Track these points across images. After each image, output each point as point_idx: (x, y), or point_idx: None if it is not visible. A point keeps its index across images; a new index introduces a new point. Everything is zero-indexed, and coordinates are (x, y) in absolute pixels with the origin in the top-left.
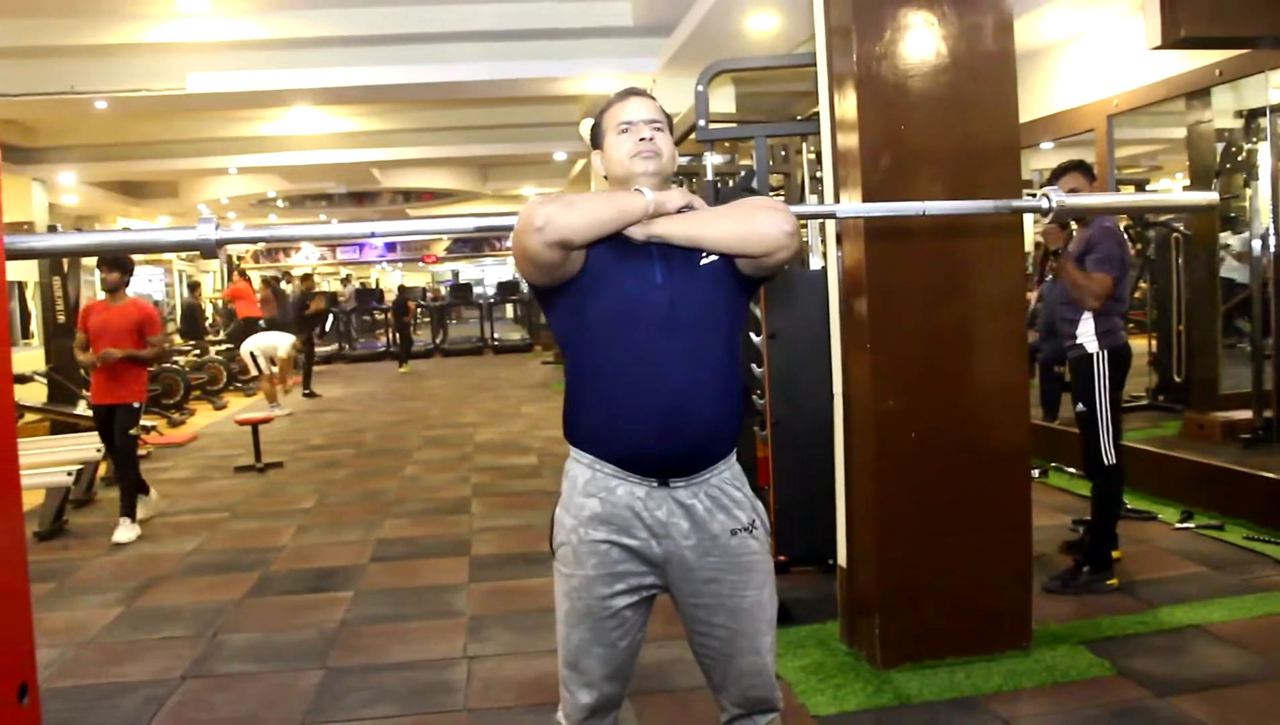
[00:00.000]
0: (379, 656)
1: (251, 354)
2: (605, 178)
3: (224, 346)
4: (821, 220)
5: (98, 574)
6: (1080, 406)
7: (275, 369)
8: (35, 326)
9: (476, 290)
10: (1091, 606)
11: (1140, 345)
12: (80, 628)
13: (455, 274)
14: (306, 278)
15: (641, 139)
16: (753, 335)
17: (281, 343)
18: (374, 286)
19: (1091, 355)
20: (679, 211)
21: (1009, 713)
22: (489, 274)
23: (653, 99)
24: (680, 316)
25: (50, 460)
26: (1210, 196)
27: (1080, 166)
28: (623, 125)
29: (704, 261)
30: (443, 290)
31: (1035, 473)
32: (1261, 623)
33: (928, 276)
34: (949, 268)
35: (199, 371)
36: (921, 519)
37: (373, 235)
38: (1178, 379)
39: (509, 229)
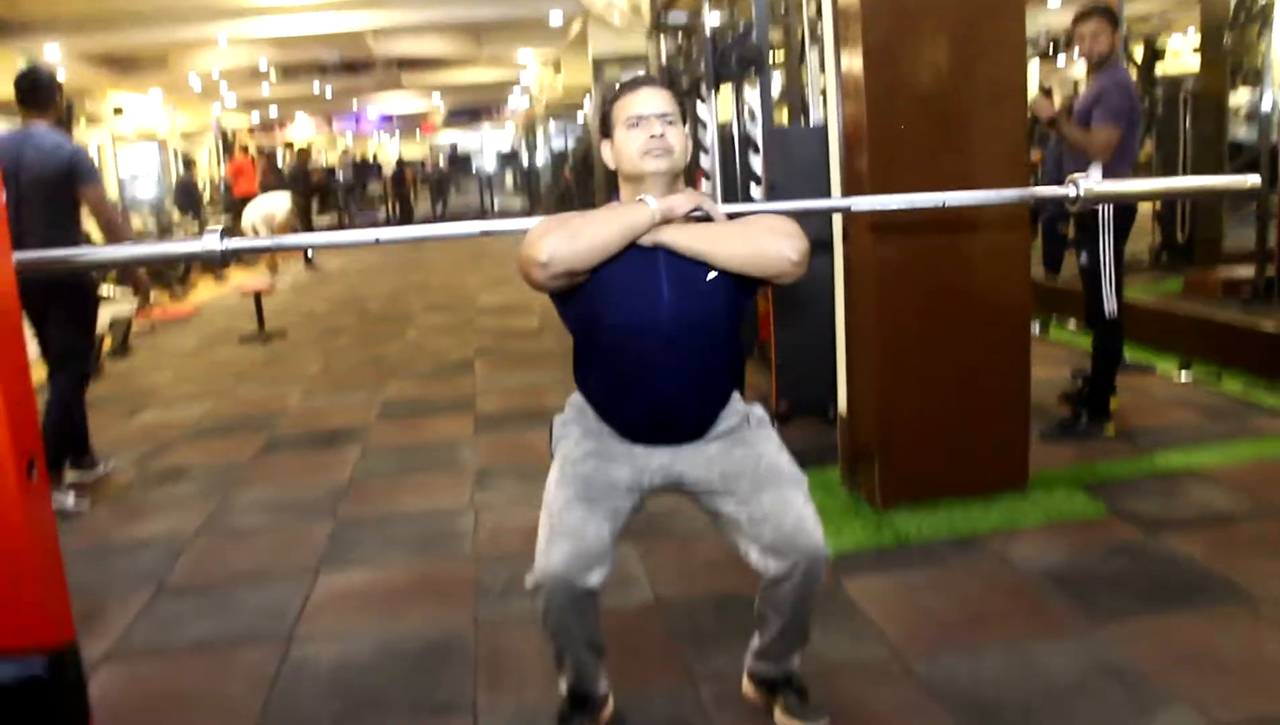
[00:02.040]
0: (388, 508)
1: (253, 226)
2: (614, 170)
3: (223, 219)
4: (820, 73)
5: (110, 440)
6: (1084, 258)
7: (278, 223)
8: None
9: (476, 161)
10: (1088, 452)
11: (1144, 205)
12: (95, 489)
13: (454, 145)
14: (303, 152)
15: (652, 135)
16: (753, 186)
17: (279, 206)
18: (372, 159)
19: (1097, 209)
20: (689, 213)
21: (1004, 550)
22: (488, 143)
23: (664, 88)
24: (683, 332)
25: None
26: (1253, 179)
27: (1104, 12)
28: (632, 119)
29: (710, 276)
30: (441, 161)
31: (1036, 328)
32: (1253, 466)
33: (929, 126)
34: (951, 118)
35: None
36: (921, 367)
37: (377, 241)
38: (1181, 238)
39: (517, 234)
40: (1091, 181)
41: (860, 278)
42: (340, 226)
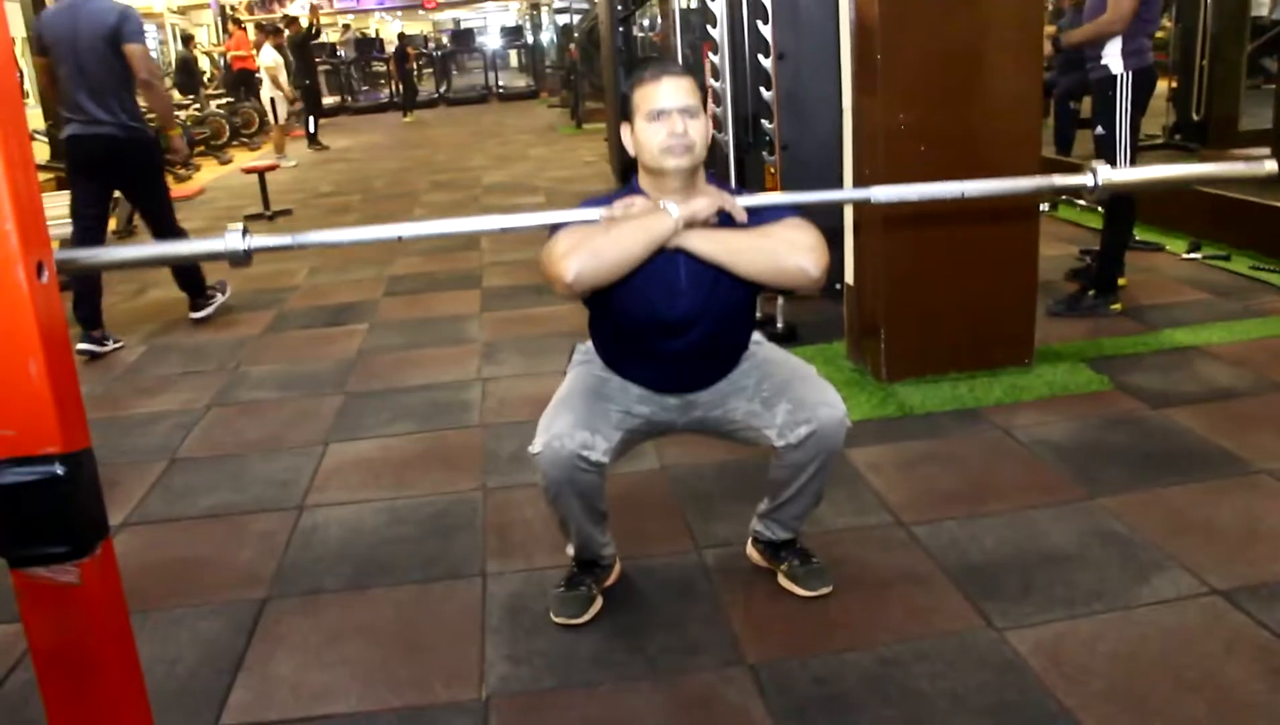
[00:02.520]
0: (396, 381)
1: (271, 100)
2: (634, 156)
3: (225, 100)
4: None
5: (118, 318)
6: (1099, 129)
7: (282, 115)
8: (29, 85)
9: (480, 39)
10: (1094, 328)
11: (1160, 84)
12: (107, 365)
13: (457, 21)
14: (293, 21)
15: (674, 132)
16: (760, 57)
17: (267, 58)
18: (373, 36)
19: (1115, 76)
20: (713, 216)
21: (1007, 422)
22: (491, 20)
23: (687, 76)
24: (700, 323)
25: (59, 214)
26: (1270, 166)
27: None
28: (654, 112)
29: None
30: (444, 38)
31: (1045, 206)
32: (1259, 344)
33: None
34: None
35: (201, 126)
36: (929, 238)
37: (399, 238)
38: (1196, 117)
39: (533, 227)
40: (1108, 172)
41: (868, 147)
42: (344, 106)
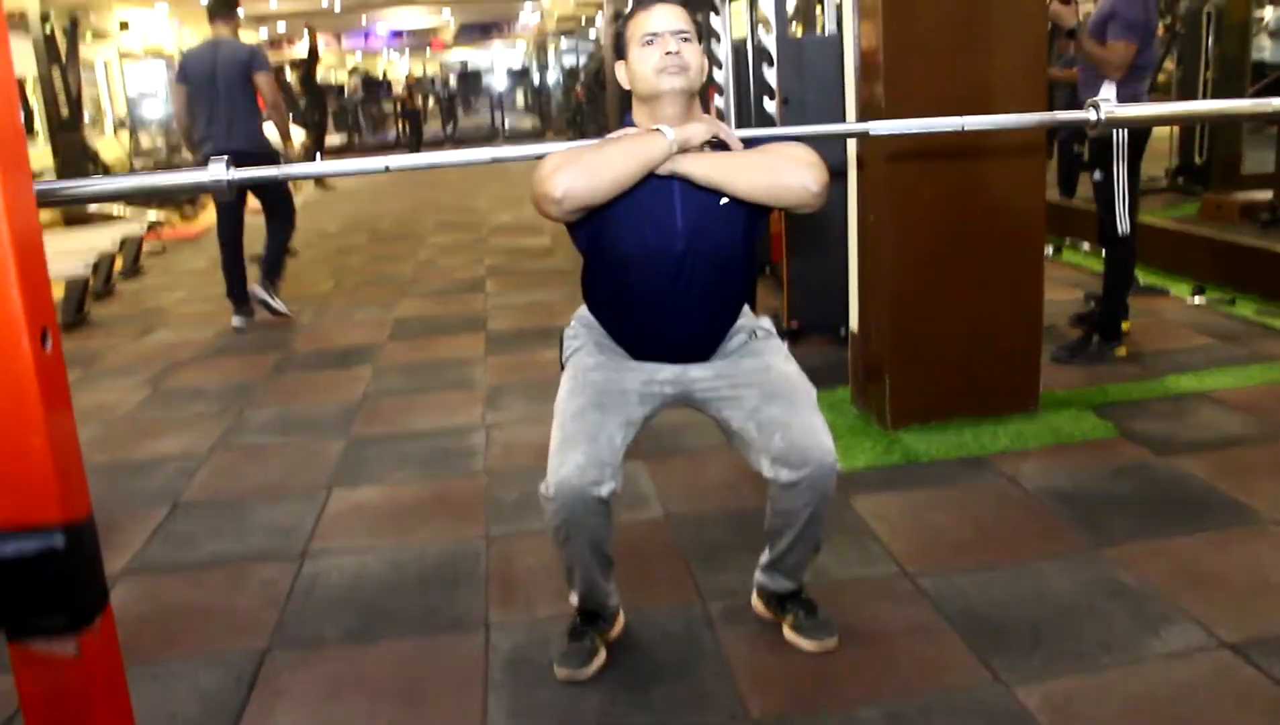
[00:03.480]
0: (400, 426)
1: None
2: (629, 90)
3: None
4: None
5: (123, 360)
6: (1098, 174)
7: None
8: (39, 123)
9: (486, 79)
10: (1099, 374)
11: (1161, 128)
12: (110, 408)
13: (464, 62)
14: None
15: (668, 52)
16: (765, 100)
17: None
18: (381, 77)
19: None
20: (706, 143)
21: (1013, 470)
22: (499, 60)
23: (679, 5)
24: (698, 261)
25: (68, 251)
26: (1276, 103)
27: None
28: (647, 36)
29: (724, 201)
30: (451, 79)
31: (1050, 250)
32: (1266, 390)
33: (945, 38)
34: (968, 26)
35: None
36: (934, 287)
37: (386, 169)
38: (1199, 161)
39: (524, 159)
40: (1112, 106)
41: (874, 196)
42: (351, 145)
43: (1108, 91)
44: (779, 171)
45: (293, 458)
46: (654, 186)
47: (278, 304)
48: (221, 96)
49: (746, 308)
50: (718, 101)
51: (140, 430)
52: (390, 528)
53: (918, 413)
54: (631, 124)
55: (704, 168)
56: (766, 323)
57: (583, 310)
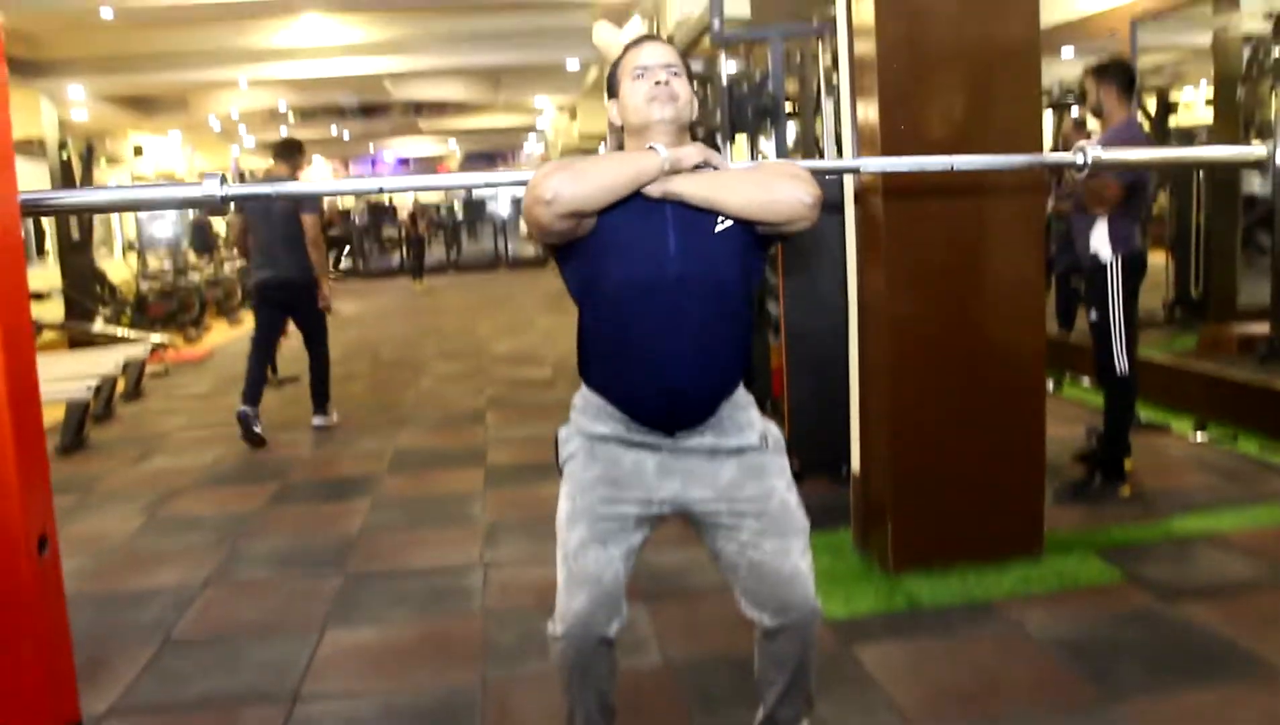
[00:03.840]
0: (397, 562)
1: None
2: (621, 128)
3: (239, 262)
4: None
5: (120, 485)
6: (1094, 315)
7: None
8: (50, 244)
9: (490, 207)
10: (1103, 515)
11: (1158, 260)
12: (105, 537)
13: (469, 190)
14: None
15: (657, 83)
16: None
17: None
18: (387, 203)
19: (1105, 263)
20: (696, 168)
21: (1019, 617)
22: (502, 189)
23: (669, 44)
24: (692, 291)
25: (69, 374)
26: (1259, 151)
27: (1097, 70)
28: (638, 70)
29: (719, 228)
30: (456, 205)
31: (1050, 385)
32: (1272, 532)
33: (944, 180)
34: (967, 172)
35: (214, 287)
36: (935, 426)
37: (380, 190)
38: (1195, 293)
39: (521, 183)
40: (1096, 150)
41: (874, 336)
42: (355, 270)
43: (1099, 231)
44: (771, 185)
45: (288, 593)
46: (646, 210)
47: (333, 419)
48: (277, 230)
49: (752, 400)
50: None
51: (134, 560)
52: (385, 670)
53: (921, 556)
54: None
55: (695, 186)
56: (775, 430)
57: (578, 396)
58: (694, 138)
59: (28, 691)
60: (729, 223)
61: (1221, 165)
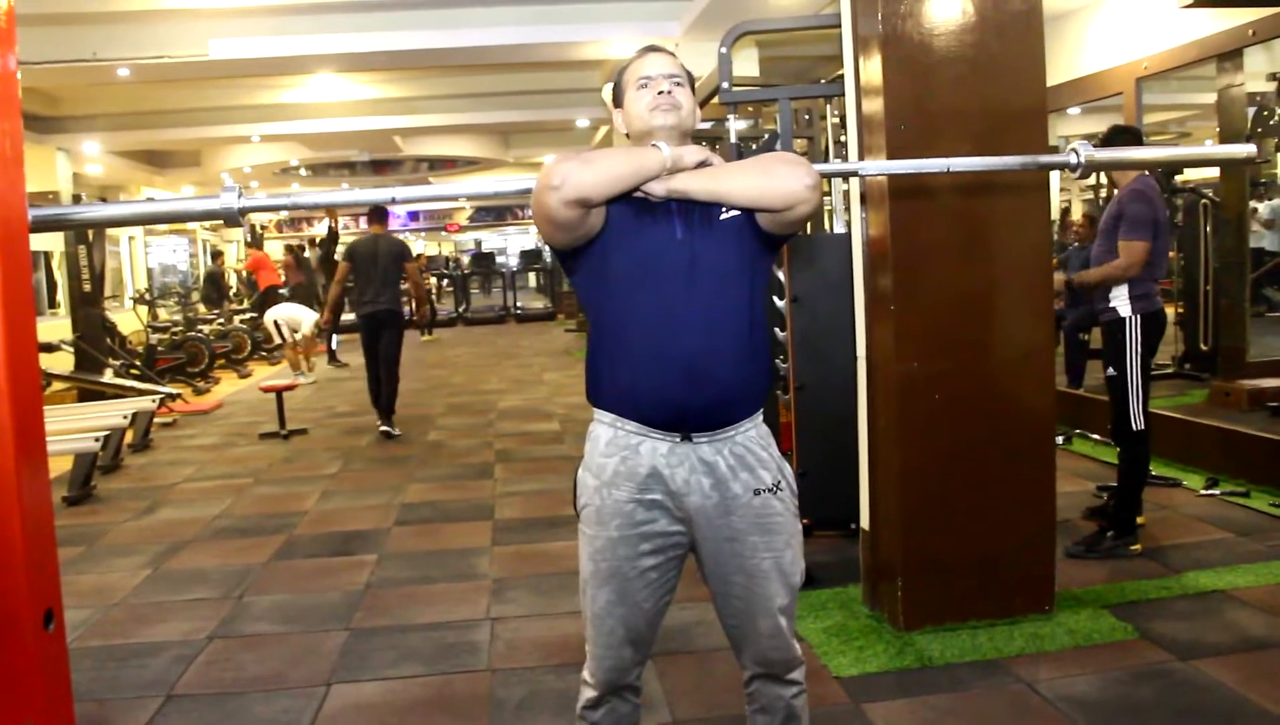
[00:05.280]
0: (403, 618)
1: (275, 322)
2: (626, 136)
3: (248, 315)
4: (845, 180)
5: (126, 538)
6: (1110, 370)
7: (299, 337)
8: (61, 296)
9: (499, 259)
10: (1115, 571)
11: (1167, 313)
12: (109, 590)
13: (478, 242)
14: (329, 238)
15: (660, 92)
16: (776, 299)
17: (305, 319)
18: None
19: (1124, 319)
20: (697, 166)
21: (1030, 675)
22: (511, 243)
23: (673, 55)
24: (700, 271)
25: (78, 427)
26: (1248, 148)
27: (1129, 133)
28: (642, 80)
29: (724, 216)
30: (465, 259)
31: (1060, 439)
32: None
33: (952, 238)
34: (974, 229)
35: (224, 340)
36: (945, 482)
37: (394, 200)
38: (1204, 347)
39: (528, 191)
40: (1089, 149)
41: (883, 394)
42: None
43: (1121, 292)
44: (771, 172)
45: (292, 648)
46: (651, 207)
47: (395, 431)
48: (380, 274)
49: (776, 448)
50: None
51: (138, 614)
52: None
53: (931, 614)
54: None
55: (698, 182)
56: (789, 476)
57: (593, 426)
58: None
59: None
60: (734, 213)
61: (1214, 163)
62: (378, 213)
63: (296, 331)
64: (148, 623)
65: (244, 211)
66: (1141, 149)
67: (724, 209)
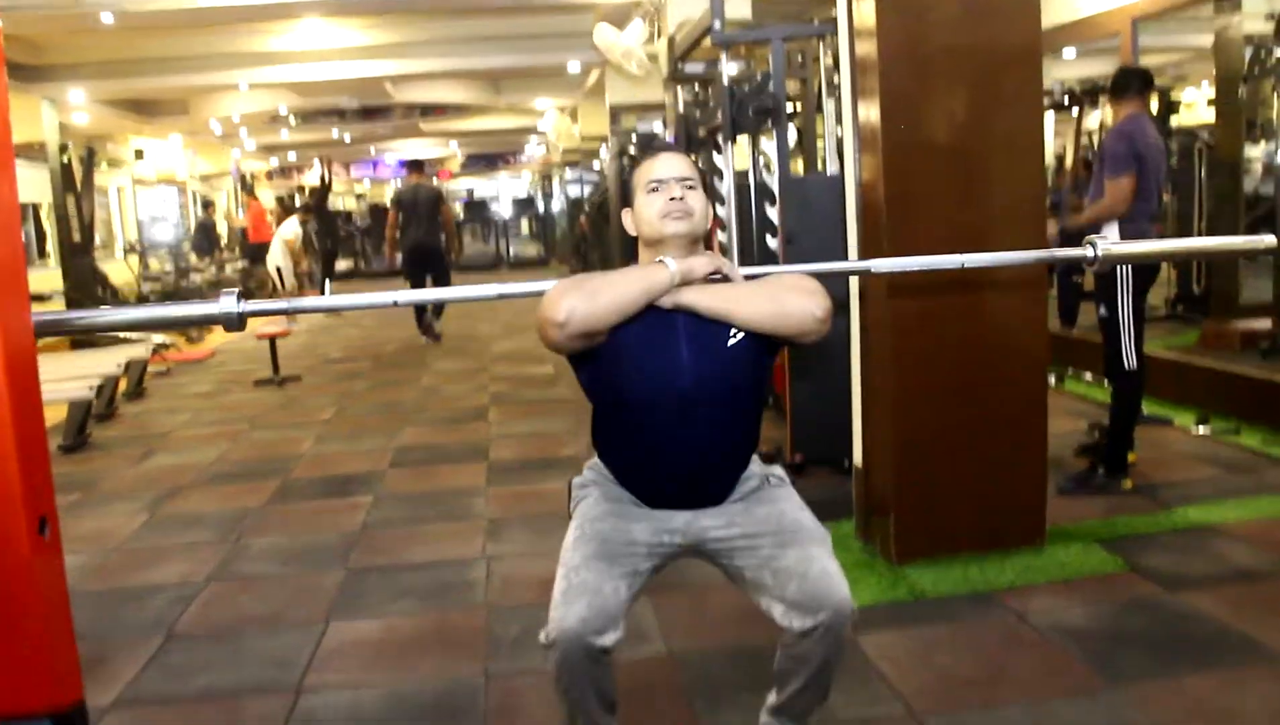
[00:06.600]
0: (400, 557)
1: (278, 268)
2: (636, 237)
3: (240, 263)
4: (838, 122)
5: (123, 484)
6: (1103, 310)
7: (294, 282)
8: (51, 246)
9: (492, 208)
10: (1106, 506)
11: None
12: (107, 534)
13: (470, 191)
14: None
15: (672, 198)
16: (769, 237)
17: (289, 231)
18: (388, 205)
19: None
20: (708, 276)
21: (1021, 606)
22: (504, 190)
23: (685, 155)
24: (704, 398)
25: (72, 375)
26: (1269, 240)
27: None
28: (653, 184)
29: (732, 341)
30: (458, 207)
31: (1052, 380)
32: (1275, 523)
33: (947, 182)
34: (969, 173)
35: (216, 288)
36: (938, 419)
37: (395, 303)
38: (1197, 290)
39: (532, 295)
40: (1108, 243)
41: (876, 330)
42: (357, 270)
43: (1112, 227)
44: (782, 300)
45: (290, 588)
46: (658, 322)
47: (437, 329)
48: (422, 216)
49: (757, 457)
50: (720, 237)
51: (136, 557)
52: (388, 662)
53: (923, 547)
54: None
55: (708, 299)
56: (779, 471)
57: (595, 460)
58: (695, 141)
59: (31, 670)
60: (741, 335)
61: (1236, 254)
62: (415, 164)
63: (295, 272)
64: (146, 566)
65: (244, 316)
66: (1159, 242)
67: (731, 332)
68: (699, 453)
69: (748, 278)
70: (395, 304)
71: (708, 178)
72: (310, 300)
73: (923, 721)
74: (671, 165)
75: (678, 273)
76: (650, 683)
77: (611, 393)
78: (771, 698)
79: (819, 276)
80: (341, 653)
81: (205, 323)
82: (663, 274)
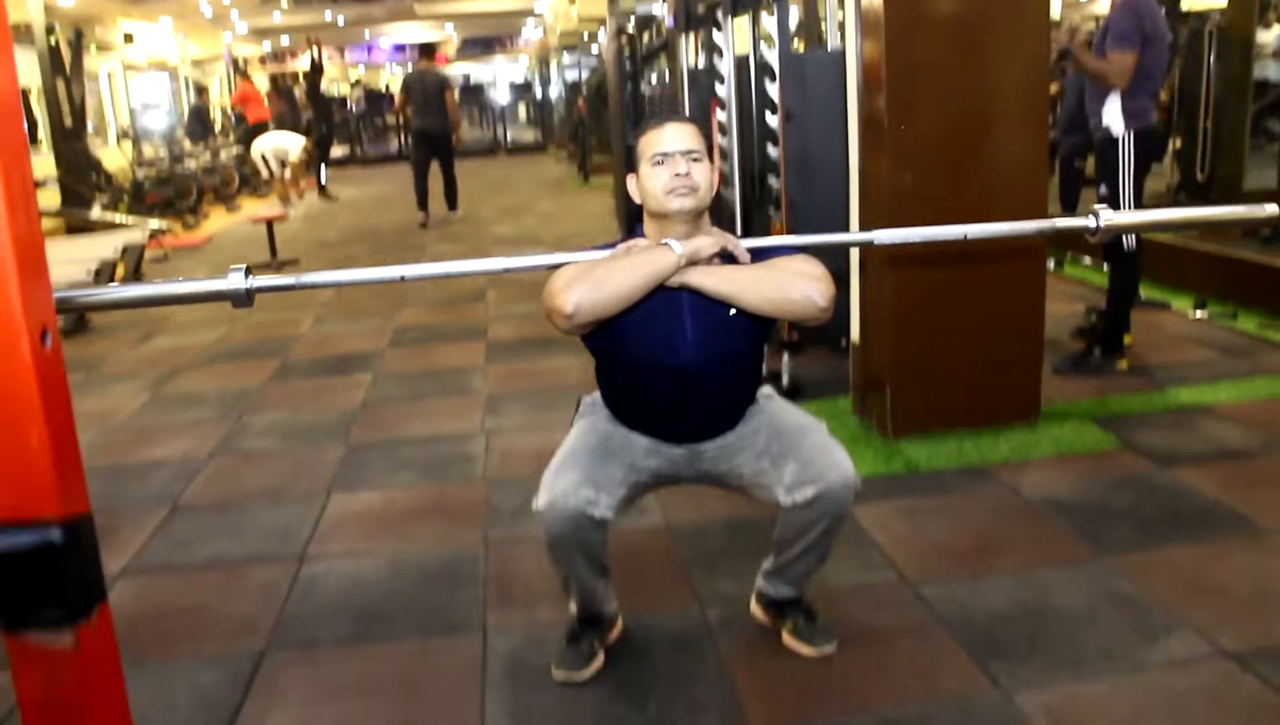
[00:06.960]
0: (399, 432)
1: (263, 156)
2: (640, 204)
3: (235, 149)
4: (841, 3)
5: (124, 365)
6: (1103, 188)
7: (287, 171)
8: (42, 133)
9: (489, 93)
10: (1101, 386)
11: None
12: (111, 413)
13: (467, 76)
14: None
15: (677, 174)
16: (769, 114)
17: (292, 146)
18: (384, 90)
19: (1117, 137)
20: (714, 256)
21: (1014, 480)
22: (501, 74)
23: (691, 124)
24: (707, 366)
25: (69, 259)
26: (1270, 209)
27: None
28: (658, 156)
29: (733, 311)
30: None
31: (1051, 264)
32: (1267, 404)
33: (949, 56)
34: (971, 47)
35: (211, 174)
36: (935, 298)
37: (402, 278)
38: (1200, 177)
39: (535, 269)
40: (1110, 213)
41: (874, 206)
42: (353, 156)
43: (1113, 105)
44: (786, 286)
45: (292, 463)
46: (663, 299)
47: (459, 213)
48: (428, 100)
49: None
50: (719, 116)
51: (140, 435)
52: (388, 532)
53: (919, 423)
54: (640, 235)
55: (713, 281)
56: (767, 389)
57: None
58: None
59: (36, 480)
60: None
61: (1238, 223)
62: (426, 49)
63: (285, 162)
64: (150, 442)
65: (252, 292)
66: (1163, 211)
67: (733, 307)
68: (701, 414)
69: (752, 251)
70: (403, 279)
71: (708, 55)
72: (319, 275)
73: (915, 589)
74: (677, 137)
75: (683, 256)
76: (647, 551)
77: (616, 359)
78: (768, 563)
79: (815, 251)
80: (343, 524)
81: (216, 299)
82: (668, 258)
